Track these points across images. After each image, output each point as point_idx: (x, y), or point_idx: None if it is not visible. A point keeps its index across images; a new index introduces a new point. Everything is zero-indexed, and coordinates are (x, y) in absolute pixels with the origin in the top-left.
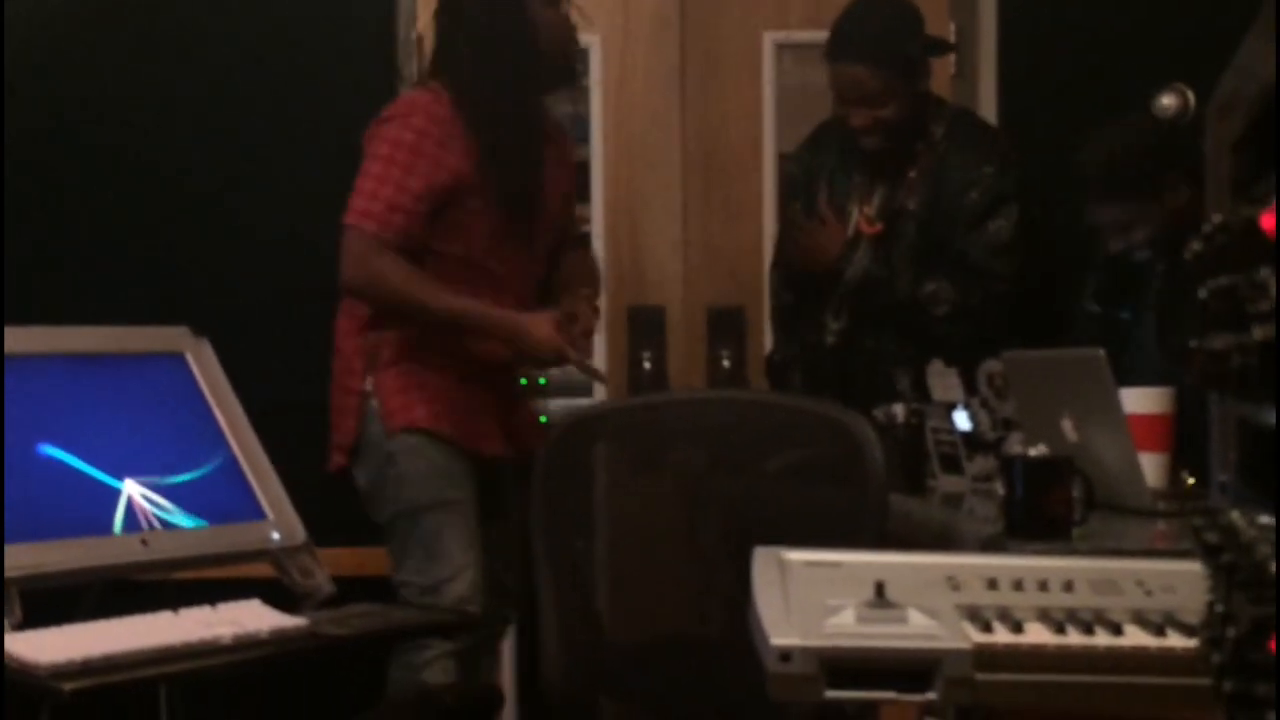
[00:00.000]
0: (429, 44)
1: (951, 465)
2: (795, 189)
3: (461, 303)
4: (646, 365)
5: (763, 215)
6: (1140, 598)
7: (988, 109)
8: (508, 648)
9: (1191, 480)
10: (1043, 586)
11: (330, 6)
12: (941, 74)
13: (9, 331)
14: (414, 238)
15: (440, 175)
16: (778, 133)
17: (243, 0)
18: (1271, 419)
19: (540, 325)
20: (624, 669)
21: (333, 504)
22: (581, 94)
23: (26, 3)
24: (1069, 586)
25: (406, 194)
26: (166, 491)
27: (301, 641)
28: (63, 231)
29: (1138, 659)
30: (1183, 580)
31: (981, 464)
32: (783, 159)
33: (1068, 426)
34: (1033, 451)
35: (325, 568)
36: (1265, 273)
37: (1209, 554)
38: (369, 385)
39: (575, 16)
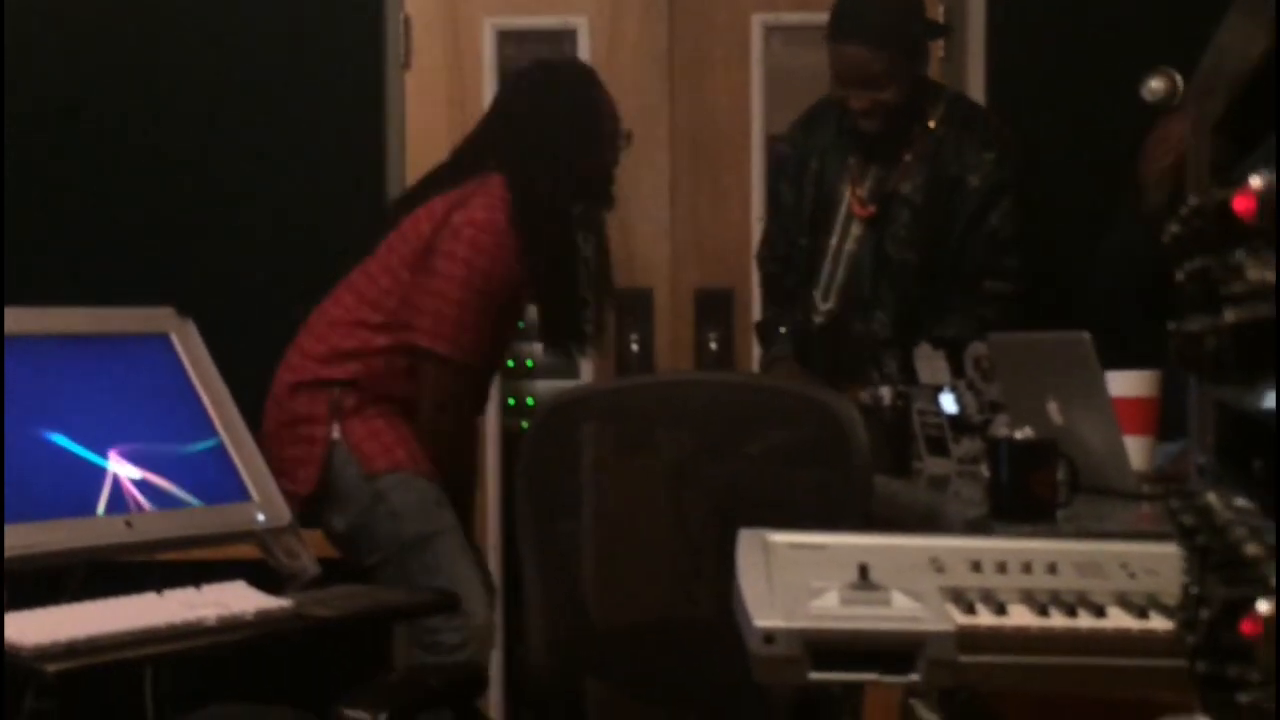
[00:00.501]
0: (416, 28)
1: (938, 448)
2: (786, 167)
3: None
4: (634, 348)
5: (751, 198)
6: (1124, 580)
7: (975, 94)
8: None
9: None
10: (1026, 569)
11: None
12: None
13: None
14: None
15: (507, 292)
16: (766, 115)
17: None
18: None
19: None
20: (609, 651)
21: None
22: None
23: None
24: (1053, 569)
25: (487, 321)
26: (151, 472)
27: (286, 622)
28: (41, 211)
29: (1121, 641)
30: (1166, 563)
31: (968, 446)
32: (773, 140)
33: (1053, 409)
34: (1017, 434)
35: (311, 549)
36: (1239, 255)
37: (1185, 535)
38: (336, 434)
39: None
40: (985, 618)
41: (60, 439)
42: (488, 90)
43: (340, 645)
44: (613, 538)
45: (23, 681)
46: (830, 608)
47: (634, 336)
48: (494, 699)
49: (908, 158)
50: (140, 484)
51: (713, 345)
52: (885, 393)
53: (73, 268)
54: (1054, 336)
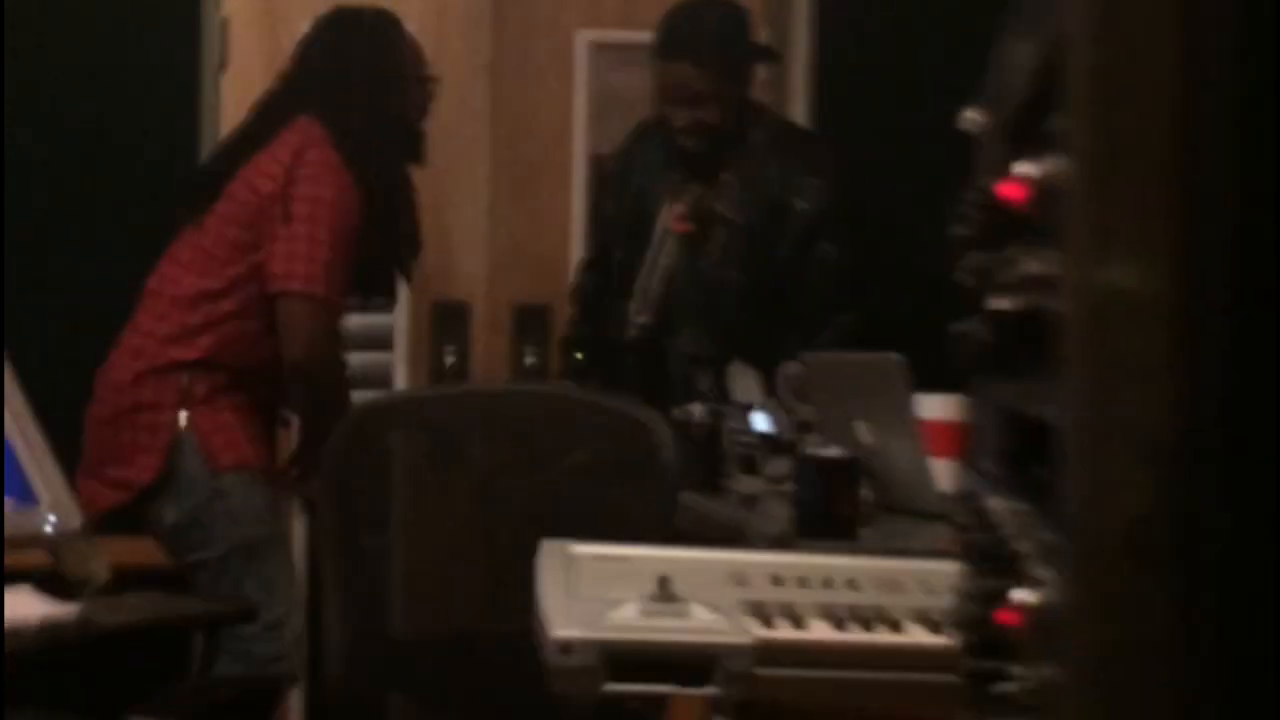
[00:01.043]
0: (234, 29)
1: (749, 466)
2: (610, 181)
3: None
4: (449, 360)
5: (571, 214)
6: (922, 597)
7: (799, 118)
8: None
9: None
10: (827, 584)
11: None
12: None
13: None
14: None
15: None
16: (589, 132)
17: None
18: (1022, 400)
19: None
20: (412, 663)
21: None
22: None
23: None
24: (853, 584)
25: (339, 257)
26: None
27: (73, 630)
28: None
29: (916, 655)
30: None
31: (780, 466)
32: (597, 159)
33: (863, 429)
34: (824, 452)
35: (106, 556)
36: (1013, 249)
37: (963, 537)
38: (183, 422)
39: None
40: (784, 631)
41: None
42: None
43: (139, 653)
44: (420, 549)
45: None
46: (629, 619)
47: (450, 348)
48: (294, 712)
49: (726, 177)
50: None
51: (529, 359)
52: (696, 410)
53: None
54: (866, 357)
